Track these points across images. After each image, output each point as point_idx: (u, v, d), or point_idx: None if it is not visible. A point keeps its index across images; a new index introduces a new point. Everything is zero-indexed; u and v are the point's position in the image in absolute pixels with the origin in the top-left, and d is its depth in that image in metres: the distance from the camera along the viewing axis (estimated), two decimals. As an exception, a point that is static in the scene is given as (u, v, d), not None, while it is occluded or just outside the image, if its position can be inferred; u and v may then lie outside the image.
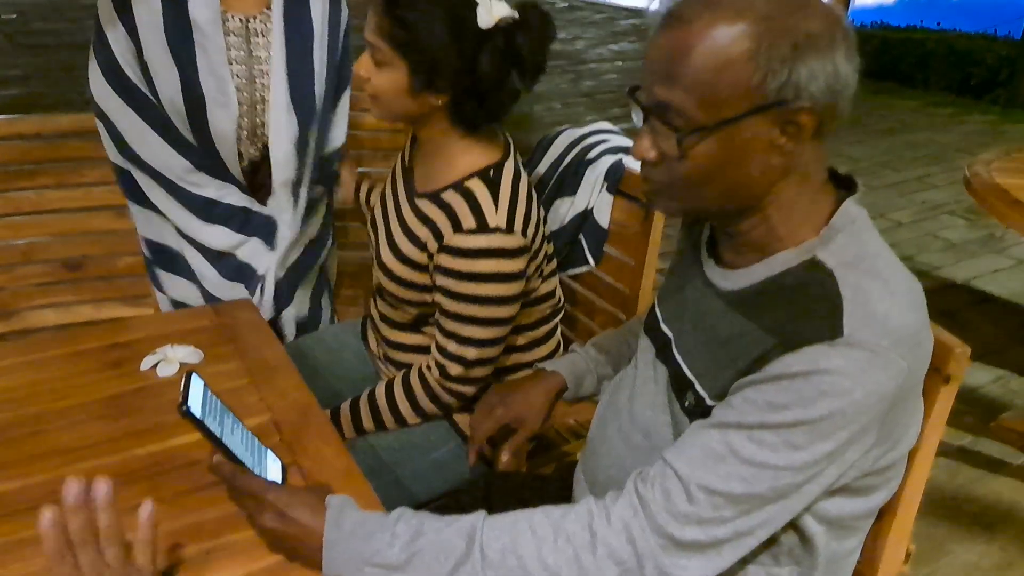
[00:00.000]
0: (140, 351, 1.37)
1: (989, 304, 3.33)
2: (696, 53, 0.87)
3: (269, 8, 1.65)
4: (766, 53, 0.85)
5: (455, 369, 1.40)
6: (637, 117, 0.97)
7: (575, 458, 1.65)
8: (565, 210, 1.71)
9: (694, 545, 0.90)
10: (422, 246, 1.39)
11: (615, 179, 1.65)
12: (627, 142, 1.72)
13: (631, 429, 1.11)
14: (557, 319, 1.60)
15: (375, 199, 1.61)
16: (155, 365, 1.33)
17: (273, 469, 1.06)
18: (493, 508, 1.27)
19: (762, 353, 0.91)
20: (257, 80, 1.68)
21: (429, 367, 1.44)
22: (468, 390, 1.44)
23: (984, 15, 7.12)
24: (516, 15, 1.29)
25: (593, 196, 1.67)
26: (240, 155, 1.72)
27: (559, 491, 1.29)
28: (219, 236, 1.73)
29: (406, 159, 1.54)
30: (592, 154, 1.69)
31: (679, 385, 1.04)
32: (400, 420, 1.47)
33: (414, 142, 1.51)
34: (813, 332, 0.87)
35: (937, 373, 1.01)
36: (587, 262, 1.71)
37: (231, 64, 1.64)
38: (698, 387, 0.99)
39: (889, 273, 0.93)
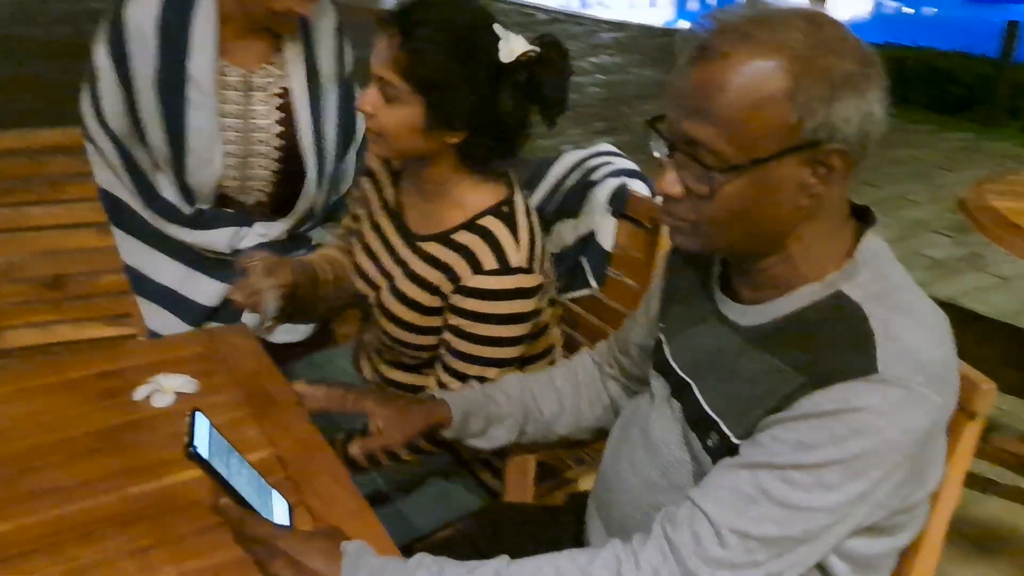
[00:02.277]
0: (132, 380, 1.31)
1: (975, 323, 3.34)
2: (731, 89, 0.85)
3: (270, 63, 1.66)
4: (804, 92, 0.83)
5: None
6: (659, 149, 0.94)
7: (579, 487, 1.62)
8: (567, 232, 1.68)
9: None
10: (434, 290, 1.34)
11: (620, 202, 1.62)
12: (631, 165, 1.70)
13: (647, 466, 1.08)
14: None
15: (358, 257, 1.51)
16: (149, 395, 1.28)
17: (280, 511, 1.02)
18: (502, 540, 1.25)
19: (791, 390, 0.88)
20: (252, 134, 1.68)
21: None
22: None
23: (960, 33, 7.21)
24: (537, 50, 1.25)
25: (597, 219, 1.64)
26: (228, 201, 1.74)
27: (570, 525, 1.26)
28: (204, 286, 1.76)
29: (388, 200, 1.47)
30: (595, 176, 1.66)
31: (700, 424, 1.01)
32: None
33: (397, 179, 1.45)
34: (844, 368, 0.85)
35: (962, 410, 1.00)
36: (589, 285, 1.68)
37: (225, 118, 1.64)
38: (722, 426, 0.96)
39: (918, 307, 0.91)
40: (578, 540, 1.23)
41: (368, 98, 1.27)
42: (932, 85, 6.65)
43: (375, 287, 1.45)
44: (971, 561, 2.15)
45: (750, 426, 0.92)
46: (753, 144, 0.86)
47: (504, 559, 0.94)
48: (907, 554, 1.04)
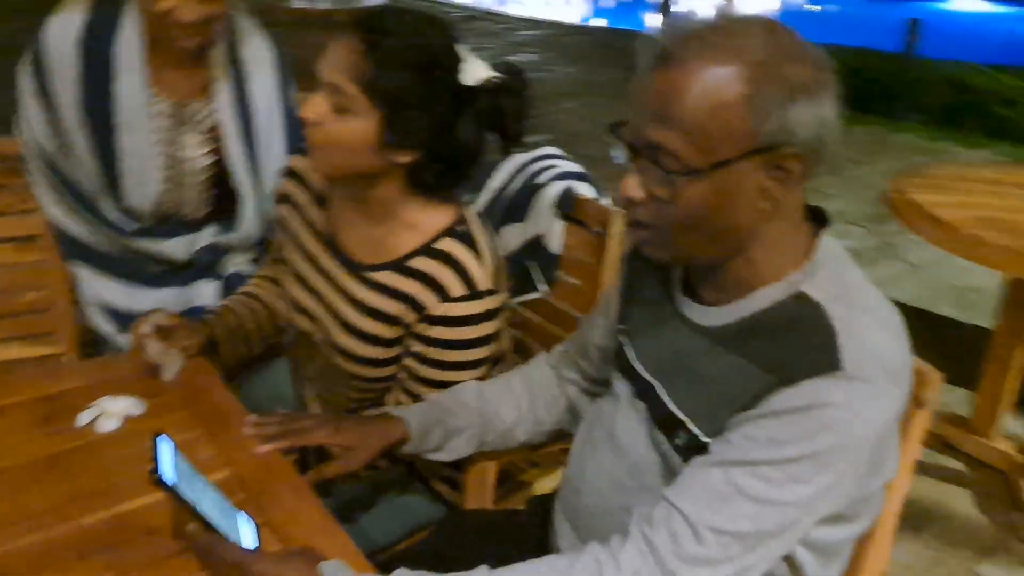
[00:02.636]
0: (73, 404, 1.25)
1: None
2: (692, 95, 0.87)
3: (202, 98, 1.64)
4: (763, 98, 0.86)
5: None
6: (621, 155, 0.96)
7: (535, 490, 1.62)
8: (514, 237, 1.68)
9: None
10: (393, 321, 1.29)
11: (567, 205, 1.63)
12: (576, 167, 1.71)
13: (615, 468, 1.09)
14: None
15: (292, 290, 1.43)
16: (93, 420, 1.22)
17: (247, 533, 0.99)
18: (465, 549, 1.24)
19: (760, 389, 0.90)
20: (183, 164, 1.66)
21: None
22: None
23: (864, 30, 7.50)
24: (499, 76, 1.22)
25: (543, 222, 1.65)
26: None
27: (534, 529, 1.26)
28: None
29: (315, 224, 1.39)
30: (541, 179, 1.67)
31: (667, 424, 1.02)
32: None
33: (323, 201, 1.38)
34: (811, 366, 0.87)
35: (912, 400, 1.04)
36: (538, 288, 1.69)
37: (156, 145, 1.61)
38: (691, 426, 0.98)
39: (875, 305, 0.95)
40: (543, 544, 1.23)
41: (314, 106, 1.20)
42: (839, 81, 6.87)
43: (317, 321, 1.39)
44: (901, 539, 2.24)
45: (720, 425, 0.94)
46: (713, 148, 0.87)
47: (483, 569, 0.94)
48: (863, 539, 1.08)
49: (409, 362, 1.31)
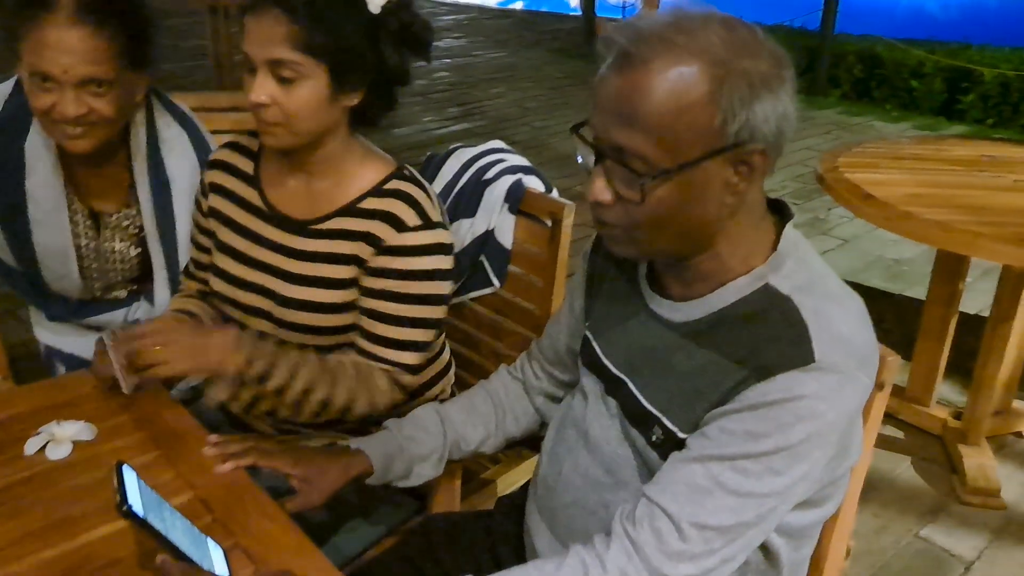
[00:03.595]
0: (18, 432, 1.20)
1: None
2: (656, 96, 0.86)
3: (128, 205, 1.60)
4: (727, 96, 0.86)
5: (406, 378, 1.35)
6: (586, 157, 0.95)
7: (498, 487, 1.62)
8: (464, 232, 1.66)
9: None
10: (350, 260, 1.32)
11: (516, 199, 1.62)
12: (523, 161, 1.70)
13: (591, 465, 1.09)
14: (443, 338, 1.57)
15: (234, 269, 1.42)
16: (43, 447, 1.17)
17: (218, 559, 0.96)
18: (437, 554, 1.23)
19: (734, 383, 0.92)
20: (109, 256, 1.64)
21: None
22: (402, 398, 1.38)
23: (782, 8, 7.66)
24: None
25: (494, 217, 1.63)
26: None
27: (507, 529, 1.26)
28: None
29: (250, 203, 1.40)
30: (490, 174, 1.65)
31: (640, 420, 1.03)
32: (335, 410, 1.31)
33: (251, 181, 1.40)
34: (784, 359, 0.89)
35: (872, 382, 1.06)
36: (491, 283, 1.67)
37: (75, 243, 1.58)
38: (666, 421, 0.99)
39: (840, 294, 0.97)
40: (517, 546, 1.23)
41: (261, 88, 1.21)
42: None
43: (264, 291, 1.38)
44: (849, 508, 2.32)
45: (695, 420, 0.95)
46: (680, 148, 0.87)
47: None
48: (828, 520, 1.10)
49: (365, 301, 1.32)
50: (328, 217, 1.34)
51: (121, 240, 1.63)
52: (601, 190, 0.92)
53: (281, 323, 1.37)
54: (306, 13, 1.19)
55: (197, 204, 1.49)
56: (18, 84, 1.48)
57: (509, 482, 1.64)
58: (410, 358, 1.34)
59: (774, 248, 0.97)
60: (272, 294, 1.37)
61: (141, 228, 1.62)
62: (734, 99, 0.86)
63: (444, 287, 1.34)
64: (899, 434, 2.62)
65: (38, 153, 1.51)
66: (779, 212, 1.02)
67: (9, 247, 1.59)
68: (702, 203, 0.91)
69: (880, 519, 2.28)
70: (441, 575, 1.20)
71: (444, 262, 1.32)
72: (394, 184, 1.32)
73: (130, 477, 0.89)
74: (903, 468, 2.48)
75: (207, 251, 1.49)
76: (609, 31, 0.91)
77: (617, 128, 0.89)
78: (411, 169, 1.38)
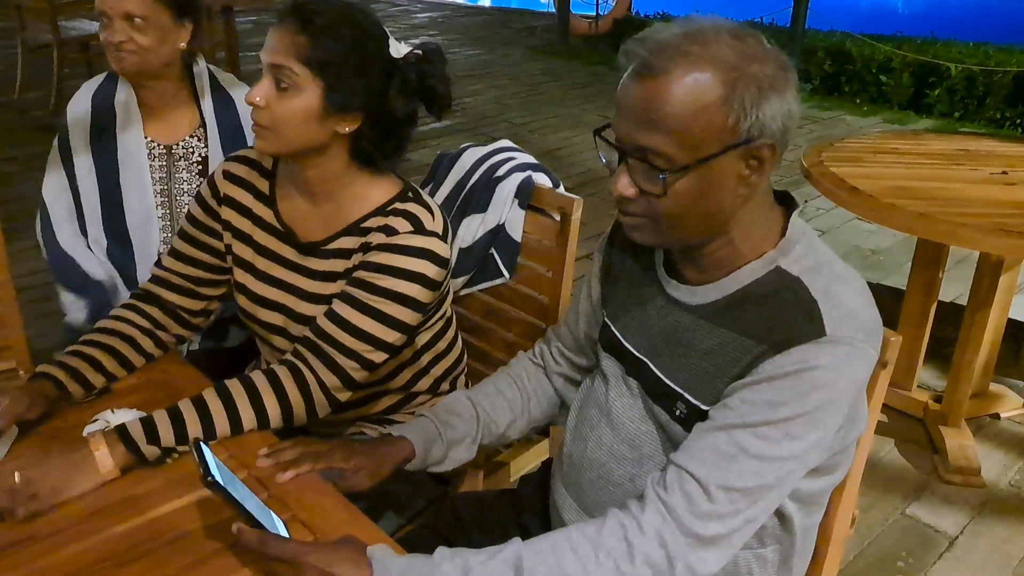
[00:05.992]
0: (75, 419, 1.27)
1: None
2: (675, 101, 0.96)
3: (193, 135, 1.85)
4: (738, 98, 0.96)
5: (359, 374, 1.32)
6: (608, 156, 1.05)
7: (514, 468, 1.70)
8: (476, 227, 1.74)
9: (715, 539, 0.99)
10: (351, 274, 1.35)
11: (526, 195, 1.70)
12: (532, 159, 1.78)
13: (614, 442, 1.18)
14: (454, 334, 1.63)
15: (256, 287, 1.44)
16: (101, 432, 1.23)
17: (281, 528, 1.03)
18: (468, 530, 1.31)
19: (753, 358, 1.01)
20: (176, 198, 1.86)
21: (311, 367, 1.30)
22: (346, 397, 1.36)
23: (754, 5, 7.80)
24: (421, 51, 1.33)
25: (505, 212, 1.72)
26: None
27: (534, 504, 1.35)
28: None
29: (265, 220, 1.43)
30: (501, 171, 1.73)
31: (664, 397, 1.11)
32: (258, 422, 1.28)
33: (267, 200, 1.43)
34: (798, 334, 0.98)
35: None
36: (501, 275, 1.75)
37: (152, 182, 1.84)
38: (689, 397, 1.08)
39: (845, 275, 1.06)
40: (544, 519, 1.31)
41: (259, 90, 1.27)
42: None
43: (280, 306, 1.43)
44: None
45: (717, 393, 1.04)
46: (698, 146, 0.97)
47: (517, 540, 1.00)
48: (835, 490, 1.19)
49: (345, 287, 1.34)
50: (335, 237, 1.38)
51: (187, 172, 1.86)
52: (625, 186, 1.02)
53: (296, 340, 1.38)
54: (317, 29, 1.25)
55: (203, 204, 1.48)
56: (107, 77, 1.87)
57: (522, 464, 1.72)
58: (365, 350, 1.31)
59: (782, 234, 1.07)
60: (288, 311, 1.42)
61: (205, 159, 1.85)
62: (745, 100, 0.96)
63: (423, 293, 1.32)
64: (883, 417, 2.72)
65: (125, 107, 1.84)
66: (785, 202, 1.12)
67: (100, 189, 1.83)
68: (717, 194, 1.01)
69: (867, 498, 2.38)
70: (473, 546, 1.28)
71: (429, 268, 1.32)
72: (397, 204, 1.35)
73: (207, 453, 0.96)
74: (888, 450, 2.59)
75: (200, 247, 1.49)
76: (628, 44, 1.01)
77: (640, 131, 0.99)
78: (417, 190, 1.40)
